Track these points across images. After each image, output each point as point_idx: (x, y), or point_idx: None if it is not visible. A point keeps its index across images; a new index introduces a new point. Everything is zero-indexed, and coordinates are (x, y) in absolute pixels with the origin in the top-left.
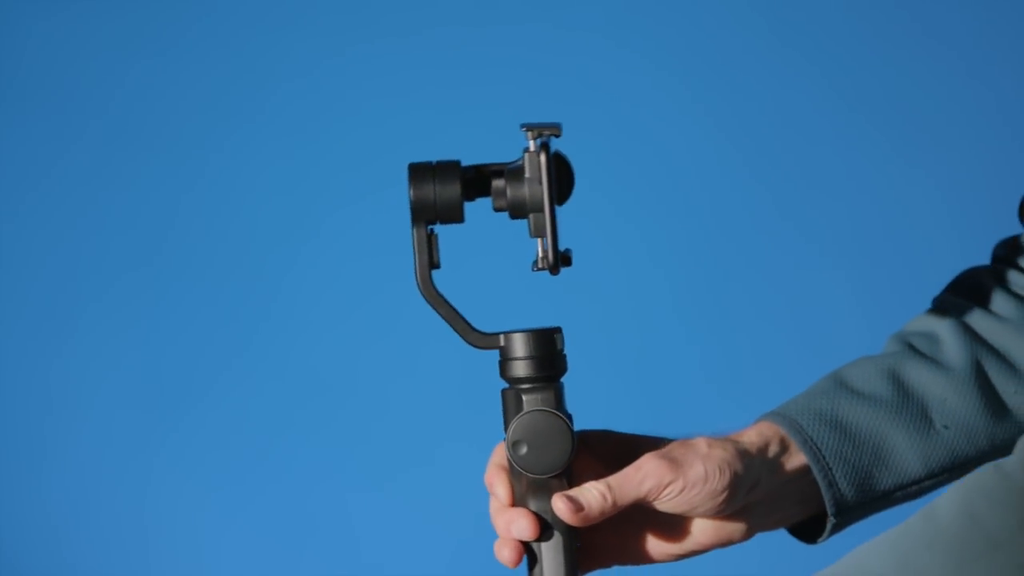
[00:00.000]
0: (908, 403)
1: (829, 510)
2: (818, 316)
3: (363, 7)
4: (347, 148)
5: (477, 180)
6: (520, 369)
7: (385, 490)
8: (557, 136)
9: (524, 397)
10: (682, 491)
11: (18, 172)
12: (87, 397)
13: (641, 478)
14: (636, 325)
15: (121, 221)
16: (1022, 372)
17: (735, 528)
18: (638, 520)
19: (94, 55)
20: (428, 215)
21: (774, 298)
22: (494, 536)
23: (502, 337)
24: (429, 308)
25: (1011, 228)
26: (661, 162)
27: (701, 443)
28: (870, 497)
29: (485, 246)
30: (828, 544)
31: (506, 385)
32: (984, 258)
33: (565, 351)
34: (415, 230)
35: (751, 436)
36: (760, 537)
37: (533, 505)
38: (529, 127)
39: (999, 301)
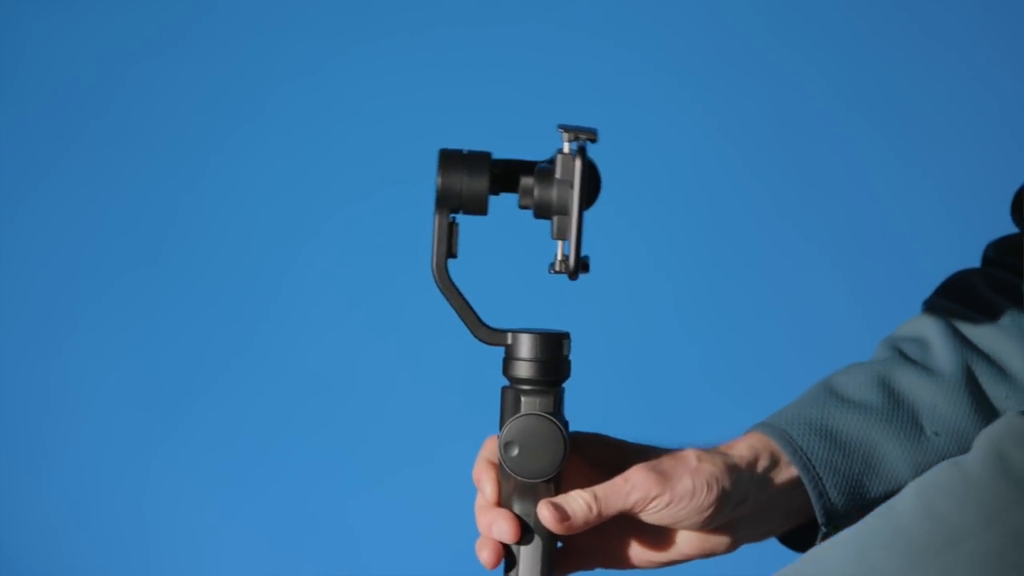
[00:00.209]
0: (898, 410)
1: (820, 520)
2: (818, 316)
3: (363, 7)
4: (347, 148)
5: (505, 175)
6: (523, 370)
7: (385, 489)
8: (593, 141)
9: (523, 399)
10: (668, 505)
11: (18, 172)
12: (87, 397)
13: (628, 489)
14: (636, 325)
15: (121, 221)
16: (1012, 376)
17: (719, 541)
18: (623, 525)
19: (94, 55)
20: (452, 203)
21: (774, 298)
22: None
23: (510, 335)
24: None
25: (1009, 228)
26: (661, 162)
27: (691, 456)
28: (861, 505)
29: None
30: None
31: (507, 383)
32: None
33: (570, 356)
34: (437, 216)
35: (741, 450)
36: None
37: (518, 507)
38: (566, 129)
39: (989, 305)
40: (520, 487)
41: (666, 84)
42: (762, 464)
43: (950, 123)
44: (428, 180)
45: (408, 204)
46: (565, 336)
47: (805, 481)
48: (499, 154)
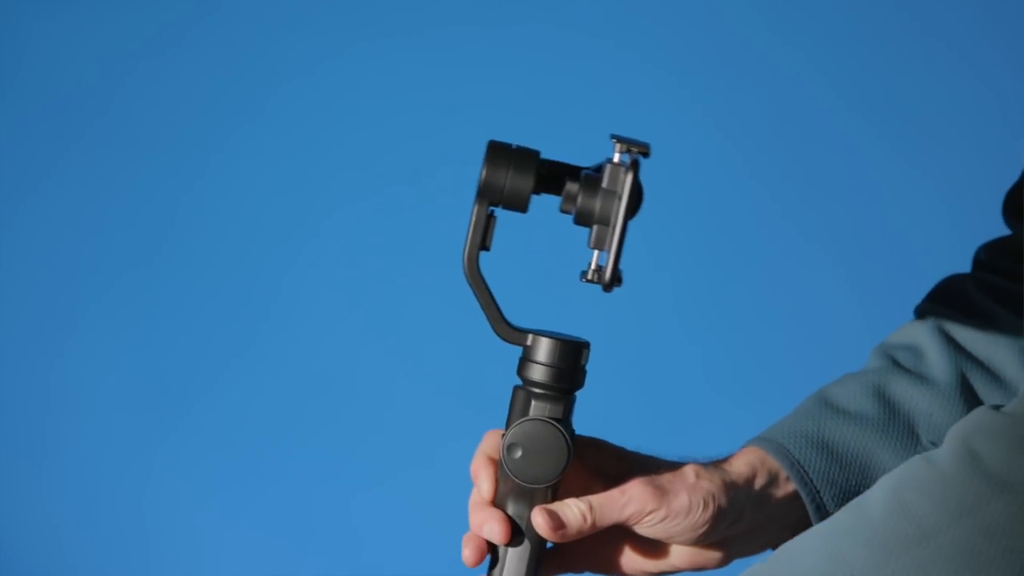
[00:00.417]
0: (894, 420)
1: None
2: (818, 317)
3: (363, 7)
4: (347, 148)
5: (550, 176)
6: (538, 373)
7: (386, 489)
8: (646, 156)
9: (534, 402)
10: (664, 520)
11: (18, 172)
12: (87, 397)
13: (625, 502)
14: (636, 325)
15: (121, 221)
16: (1007, 383)
17: (712, 556)
18: (615, 533)
19: (95, 55)
20: (494, 197)
21: (775, 299)
22: None
23: (530, 337)
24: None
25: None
26: (661, 162)
27: (690, 472)
28: None
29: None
30: None
31: (519, 383)
32: None
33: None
34: (476, 207)
35: (739, 466)
36: None
37: (512, 507)
38: (619, 139)
39: (982, 311)
40: (517, 489)
41: (666, 84)
42: (759, 481)
43: (950, 123)
44: (429, 180)
45: (408, 204)
46: (585, 345)
47: (803, 495)
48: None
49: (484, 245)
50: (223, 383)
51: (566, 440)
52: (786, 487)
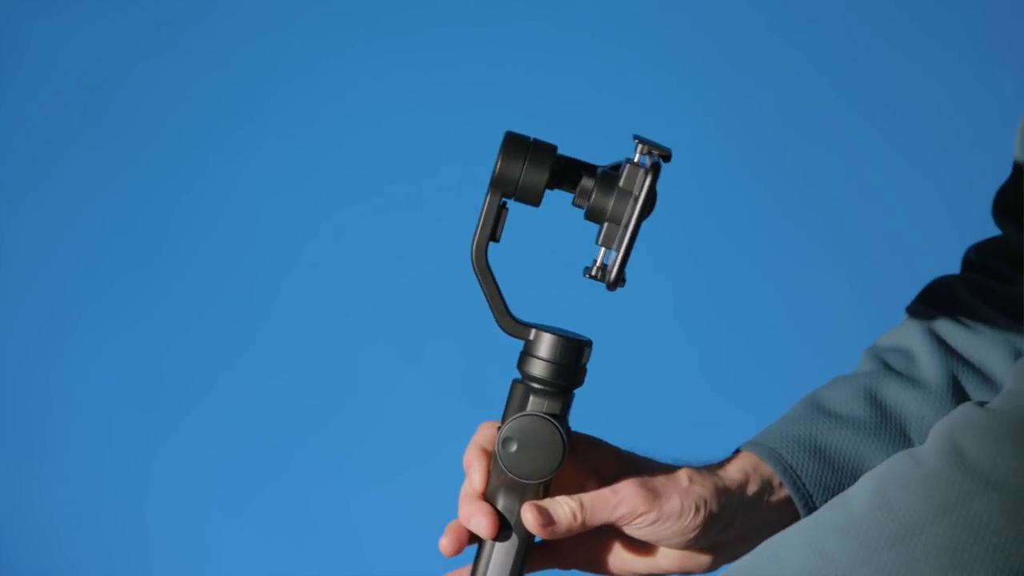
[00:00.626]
0: (886, 423)
1: None
2: (818, 316)
3: (363, 7)
4: (347, 148)
5: (566, 172)
6: (538, 369)
7: (386, 489)
8: (667, 160)
9: (532, 397)
10: (655, 522)
11: (18, 172)
12: (87, 397)
13: (617, 503)
14: (636, 325)
15: (121, 221)
16: (998, 385)
17: (701, 560)
18: (605, 532)
19: (94, 55)
20: (507, 188)
21: (774, 299)
22: None
23: (533, 331)
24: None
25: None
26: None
27: (683, 476)
28: None
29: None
30: None
31: (519, 376)
32: None
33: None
34: (489, 196)
35: (732, 472)
36: None
37: (502, 501)
38: (641, 140)
39: (973, 312)
40: (509, 483)
41: (666, 84)
42: (752, 487)
43: (950, 123)
44: (429, 180)
45: (408, 204)
46: (588, 343)
47: (796, 500)
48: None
49: (494, 236)
50: (223, 383)
51: (562, 437)
52: (779, 492)
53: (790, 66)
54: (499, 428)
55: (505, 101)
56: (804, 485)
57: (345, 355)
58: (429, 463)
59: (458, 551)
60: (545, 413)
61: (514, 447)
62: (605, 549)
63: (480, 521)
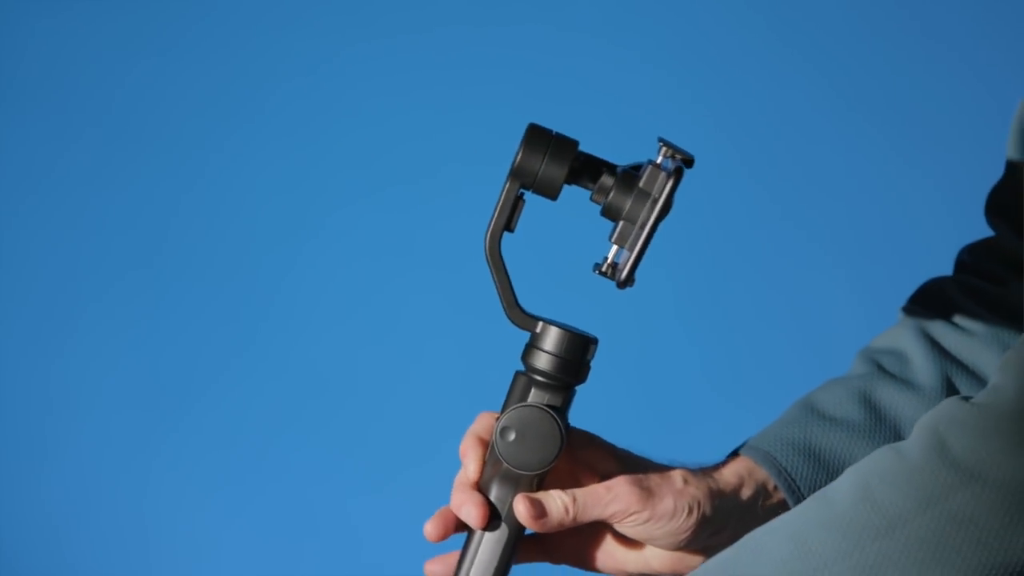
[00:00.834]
0: (880, 426)
1: None
2: (818, 316)
3: (363, 7)
4: (347, 148)
5: (585, 169)
6: (543, 362)
7: (385, 490)
8: (689, 166)
9: (533, 389)
10: (647, 522)
11: (18, 172)
12: (87, 397)
13: (610, 500)
14: (636, 324)
15: (121, 221)
16: None
17: (692, 562)
18: (596, 528)
19: (94, 55)
20: (526, 180)
21: (774, 298)
22: None
23: (540, 324)
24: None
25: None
26: None
27: (678, 477)
28: None
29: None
30: None
31: (522, 368)
32: None
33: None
34: (507, 186)
35: (728, 475)
36: None
37: (495, 491)
38: (665, 143)
39: (966, 314)
40: (504, 473)
41: (666, 84)
42: (747, 491)
43: (950, 123)
44: (429, 180)
45: (408, 204)
46: (594, 341)
47: (791, 504)
48: (498, 153)
49: (509, 226)
50: (223, 383)
51: (560, 430)
52: (774, 497)
53: (790, 66)
54: (498, 417)
55: (505, 101)
56: (799, 489)
57: (345, 355)
58: (429, 463)
59: (443, 537)
60: (546, 405)
61: (512, 436)
62: (596, 546)
63: (471, 511)
